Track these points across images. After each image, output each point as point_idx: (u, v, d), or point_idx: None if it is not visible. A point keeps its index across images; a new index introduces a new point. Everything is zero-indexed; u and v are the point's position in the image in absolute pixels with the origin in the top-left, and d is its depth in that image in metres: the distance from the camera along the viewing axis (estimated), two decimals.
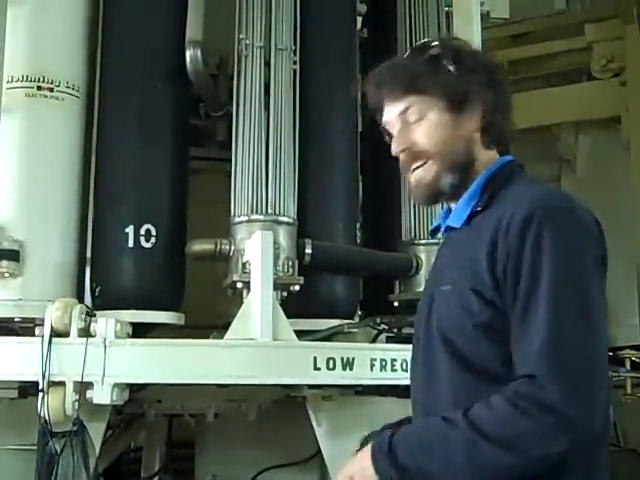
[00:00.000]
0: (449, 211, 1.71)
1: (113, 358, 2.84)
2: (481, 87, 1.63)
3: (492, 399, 1.40)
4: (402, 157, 1.63)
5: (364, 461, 1.49)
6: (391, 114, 1.64)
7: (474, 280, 1.47)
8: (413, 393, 1.69)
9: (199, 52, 3.37)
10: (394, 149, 1.63)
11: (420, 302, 1.69)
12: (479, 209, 1.59)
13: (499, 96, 1.65)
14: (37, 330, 3.05)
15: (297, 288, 3.21)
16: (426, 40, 1.76)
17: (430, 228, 1.73)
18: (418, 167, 1.61)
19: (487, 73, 1.66)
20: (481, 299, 1.45)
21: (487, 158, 1.66)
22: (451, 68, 1.62)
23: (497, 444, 1.36)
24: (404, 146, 1.61)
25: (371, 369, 2.99)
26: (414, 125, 1.61)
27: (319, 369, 2.93)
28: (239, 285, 3.12)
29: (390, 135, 1.66)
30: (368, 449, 1.50)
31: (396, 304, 3.73)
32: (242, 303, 3.06)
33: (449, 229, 1.68)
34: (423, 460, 1.42)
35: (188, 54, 3.36)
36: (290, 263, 3.23)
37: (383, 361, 3.02)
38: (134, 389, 3.03)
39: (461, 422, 1.40)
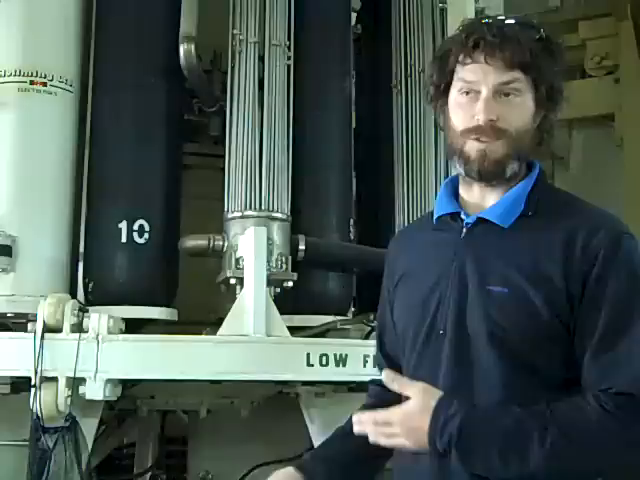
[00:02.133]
0: (455, 199, 1.64)
1: (106, 354, 2.84)
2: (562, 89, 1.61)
3: (581, 403, 1.42)
4: (480, 124, 1.54)
5: (421, 422, 1.42)
6: (488, 79, 1.54)
7: (547, 290, 1.47)
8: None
9: (193, 47, 3.36)
10: (483, 115, 1.53)
11: (426, 292, 1.59)
12: (530, 214, 1.56)
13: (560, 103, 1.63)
14: (30, 326, 3.05)
15: (290, 284, 3.21)
16: (525, 15, 1.72)
17: (440, 212, 1.64)
18: (488, 141, 1.55)
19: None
20: (554, 310, 1.47)
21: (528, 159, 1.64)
22: (557, 59, 1.59)
23: (583, 446, 1.39)
24: (493, 117, 1.54)
25: (364, 365, 2.98)
26: (507, 101, 1.55)
27: (312, 365, 2.93)
28: (232, 281, 3.11)
29: (466, 92, 1.57)
30: (429, 410, 1.42)
31: None
32: (235, 299, 3.06)
33: (477, 222, 1.59)
34: (492, 448, 1.41)
35: (182, 49, 3.35)
36: (283, 259, 3.23)
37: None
38: (127, 385, 3.03)
39: (548, 420, 1.40)
